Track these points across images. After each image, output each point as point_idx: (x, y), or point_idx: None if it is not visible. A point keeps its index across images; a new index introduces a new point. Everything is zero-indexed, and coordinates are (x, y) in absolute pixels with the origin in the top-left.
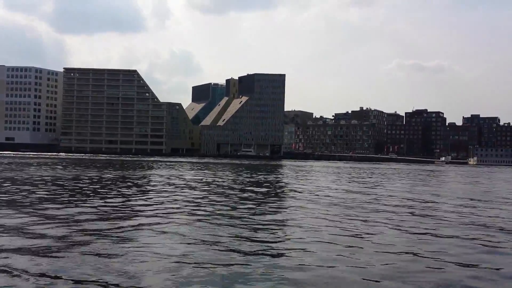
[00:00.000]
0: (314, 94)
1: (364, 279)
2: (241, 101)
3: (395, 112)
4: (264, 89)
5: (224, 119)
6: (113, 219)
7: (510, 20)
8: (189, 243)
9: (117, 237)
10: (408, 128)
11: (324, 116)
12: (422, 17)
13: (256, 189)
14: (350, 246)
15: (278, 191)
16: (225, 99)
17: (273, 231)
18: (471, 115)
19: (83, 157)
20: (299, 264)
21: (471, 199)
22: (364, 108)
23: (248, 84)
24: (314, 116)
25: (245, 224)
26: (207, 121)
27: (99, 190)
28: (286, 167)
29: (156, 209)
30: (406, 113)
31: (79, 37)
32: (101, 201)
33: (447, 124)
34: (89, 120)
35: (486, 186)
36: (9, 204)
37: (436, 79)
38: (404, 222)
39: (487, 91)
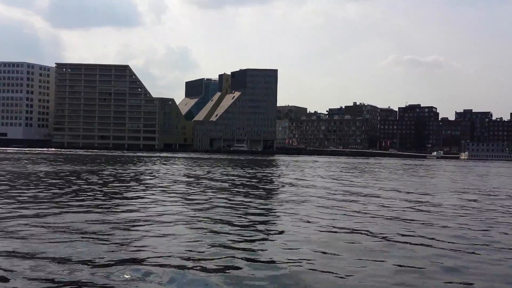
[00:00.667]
0: (309, 90)
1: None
2: (234, 96)
3: (389, 107)
4: (256, 84)
5: (217, 115)
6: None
7: (506, 15)
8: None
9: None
10: (401, 123)
11: (319, 112)
12: (419, 13)
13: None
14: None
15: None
16: (218, 94)
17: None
18: (464, 110)
19: (77, 152)
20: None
21: (408, 192)
22: (358, 103)
23: (241, 79)
24: (308, 111)
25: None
26: (200, 116)
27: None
28: (269, 161)
29: (151, 206)
30: (399, 108)
31: (75, 32)
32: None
33: (440, 119)
34: (81, 115)
35: (448, 179)
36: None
37: (432, 75)
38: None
39: (480, 86)
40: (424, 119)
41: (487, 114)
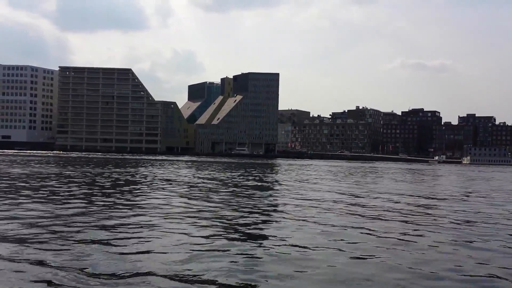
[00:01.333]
0: (313, 93)
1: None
2: (236, 100)
3: (392, 111)
4: (258, 88)
5: (218, 118)
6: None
7: None
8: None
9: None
10: (403, 127)
11: (322, 115)
12: (425, 15)
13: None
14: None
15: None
16: (220, 98)
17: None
18: (467, 114)
19: (80, 155)
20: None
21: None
22: (360, 107)
23: (243, 83)
24: (311, 115)
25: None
26: (202, 119)
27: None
28: (264, 164)
29: (155, 207)
30: (402, 112)
31: (81, 35)
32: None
33: (443, 123)
34: (84, 118)
35: (436, 183)
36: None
37: (437, 78)
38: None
39: (484, 90)
40: (427, 124)
41: (491, 119)
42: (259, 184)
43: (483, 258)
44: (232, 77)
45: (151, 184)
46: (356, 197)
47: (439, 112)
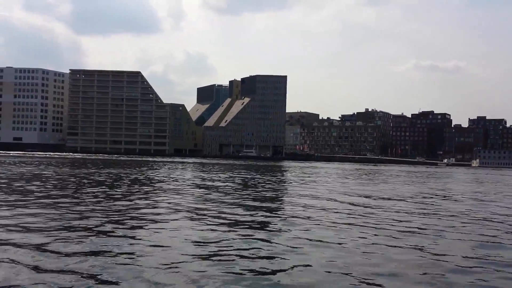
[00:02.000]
0: (324, 95)
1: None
2: (244, 102)
3: (402, 113)
4: (266, 90)
5: (226, 120)
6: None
7: None
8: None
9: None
10: (413, 130)
11: (331, 118)
12: (439, 17)
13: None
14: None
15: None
16: (228, 100)
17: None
18: (477, 117)
19: (90, 157)
20: None
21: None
22: (370, 110)
23: (250, 86)
24: (321, 118)
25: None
26: (211, 122)
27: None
28: (267, 167)
29: (161, 208)
30: (412, 114)
31: (95, 38)
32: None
33: (453, 126)
34: (94, 120)
35: (436, 185)
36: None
37: (449, 81)
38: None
39: (496, 92)
40: (437, 126)
41: (501, 122)
42: (259, 189)
43: None
44: (240, 79)
45: (163, 185)
46: (367, 198)
47: (449, 115)
